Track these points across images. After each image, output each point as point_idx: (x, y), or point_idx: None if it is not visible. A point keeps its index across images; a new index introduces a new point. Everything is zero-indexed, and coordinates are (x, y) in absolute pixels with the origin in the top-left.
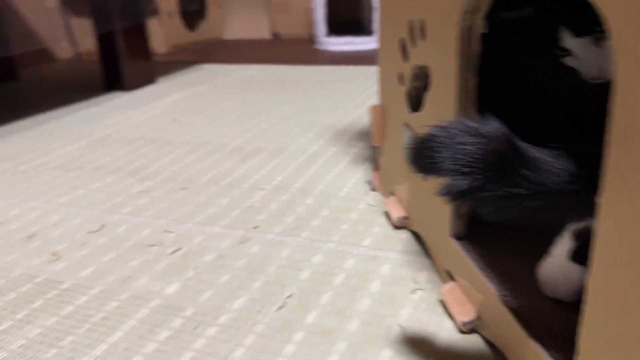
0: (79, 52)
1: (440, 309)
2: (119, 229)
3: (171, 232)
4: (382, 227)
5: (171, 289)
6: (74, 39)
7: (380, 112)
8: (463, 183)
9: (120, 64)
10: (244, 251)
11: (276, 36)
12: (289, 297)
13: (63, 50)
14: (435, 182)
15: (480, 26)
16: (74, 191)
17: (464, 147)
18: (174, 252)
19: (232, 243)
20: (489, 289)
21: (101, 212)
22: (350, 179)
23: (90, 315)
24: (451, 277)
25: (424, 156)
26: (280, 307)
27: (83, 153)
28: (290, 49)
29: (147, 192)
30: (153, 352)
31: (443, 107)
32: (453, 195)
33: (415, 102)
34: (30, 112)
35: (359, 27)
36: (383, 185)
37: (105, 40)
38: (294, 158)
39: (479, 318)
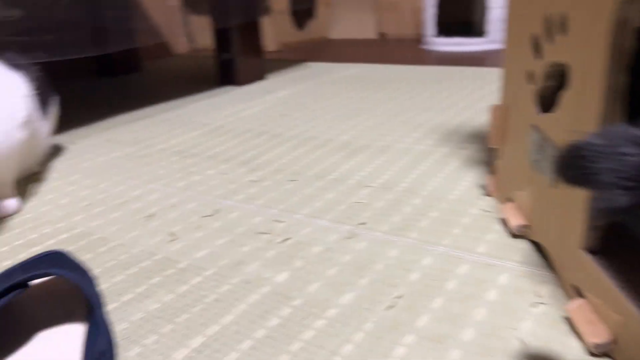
0: (195, 47)
1: (565, 327)
2: (231, 214)
3: (281, 221)
4: (498, 234)
5: (281, 277)
6: (191, 35)
7: (502, 112)
8: (624, 198)
9: (235, 59)
10: (350, 246)
11: (382, 36)
12: (398, 297)
13: (181, 46)
14: (565, 191)
15: (636, 18)
16: (190, 176)
17: (627, 158)
18: (283, 241)
19: (338, 237)
20: (629, 310)
21: (215, 198)
22: (461, 182)
23: (203, 296)
24: (579, 294)
25: (578, 166)
26: (390, 307)
27: (199, 141)
28: (397, 48)
29: (258, 181)
30: (263, 337)
31: (584, 109)
32: (611, 211)
33: (547, 102)
34: (152, 101)
35: (470, 28)
36: (499, 190)
37: (222, 38)
38: (400, 157)
39: (614, 341)
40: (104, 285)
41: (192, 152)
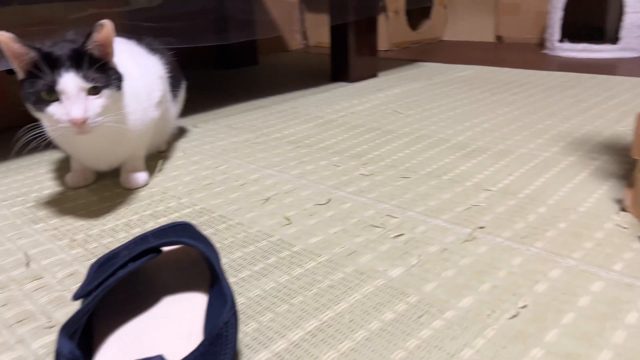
0: (308, 44)
1: None
2: (344, 205)
3: (394, 217)
4: (637, 253)
5: (395, 272)
6: (306, 32)
7: None
8: None
9: (349, 57)
10: (469, 249)
11: (499, 39)
12: (522, 307)
13: (295, 42)
14: None
15: None
16: (304, 165)
17: None
18: (397, 236)
19: (456, 239)
20: None
21: (328, 187)
22: (593, 194)
23: (317, 281)
24: None
25: None
26: (514, 316)
27: (311, 133)
28: (515, 52)
29: (370, 175)
30: (378, 330)
31: None
32: None
33: None
34: (268, 93)
35: (600, 34)
36: (639, 206)
37: (338, 35)
38: (522, 162)
39: None
40: (224, 260)
41: (305, 143)
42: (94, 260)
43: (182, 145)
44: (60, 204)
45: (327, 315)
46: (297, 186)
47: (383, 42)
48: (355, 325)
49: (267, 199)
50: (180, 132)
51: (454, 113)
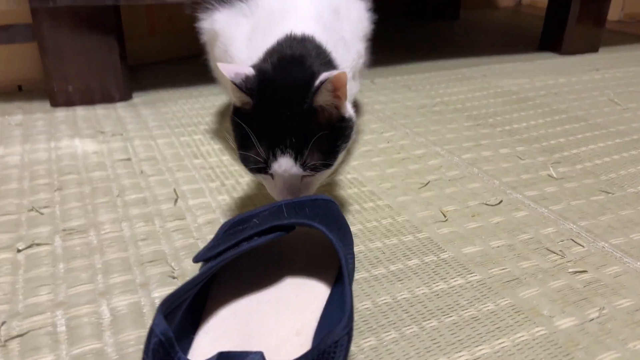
0: (520, 2)
1: None
2: (517, 212)
3: (579, 244)
4: None
5: (564, 322)
6: None
7: None
8: None
9: (567, 23)
10: None
11: None
12: None
13: None
14: None
15: None
16: (480, 150)
17: None
18: (577, 272)
19: None
20: None
21: (502, 184)
22: None
23: (460, 306)
24: None
25: None
26: None
27: (499, 110)
28: None
29: (560, 179)
30: None
31: None
32: None
33: None
34: (459, 54)
35: None
36: None
37: None
38: None
39: None
40: (360, 248)
41: (488, 122)
42: (229, 216)
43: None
44: (224, 142)
45: (460, 356)
46: (466, 174)
47: (615, 11)
48: None
49: (426, 184)
50: None
51: None
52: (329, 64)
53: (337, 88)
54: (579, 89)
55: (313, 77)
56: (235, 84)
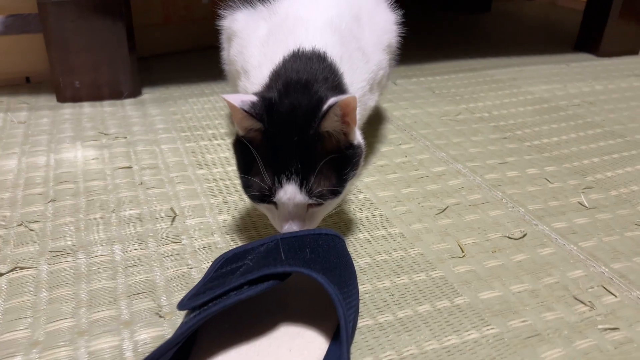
0: None
1: None
2: (543, 249)
3: (611, 293)
4: None
5: None
6: None
7: None
8: None
9: (607, 20)
10: None
11: None
12: None
13: None
14: None
15: None
16: (505, 168)
17: None
18: (608, 330)
19: None
20: None
21: (527, 213)
22: None
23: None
24: None
25: None
26: None
27: (528, 121)
28: None
29: (592, 209)
30: None
31: None
32: None
33: None
34: (488, 52)
35: None
36: None
37: None
38: None
39: None
40: (367, 287)
41: (516, 134)
42: (228, 240)
43: None
44: (230, 150)
45: None
46: (488, 199)
47: None
48: None
49: (444, 209)
50: None
51: None
52: (338, 87)
53: (346, 114)
54: (616, 98)
55: (320, 102)
56: (245, 110)
